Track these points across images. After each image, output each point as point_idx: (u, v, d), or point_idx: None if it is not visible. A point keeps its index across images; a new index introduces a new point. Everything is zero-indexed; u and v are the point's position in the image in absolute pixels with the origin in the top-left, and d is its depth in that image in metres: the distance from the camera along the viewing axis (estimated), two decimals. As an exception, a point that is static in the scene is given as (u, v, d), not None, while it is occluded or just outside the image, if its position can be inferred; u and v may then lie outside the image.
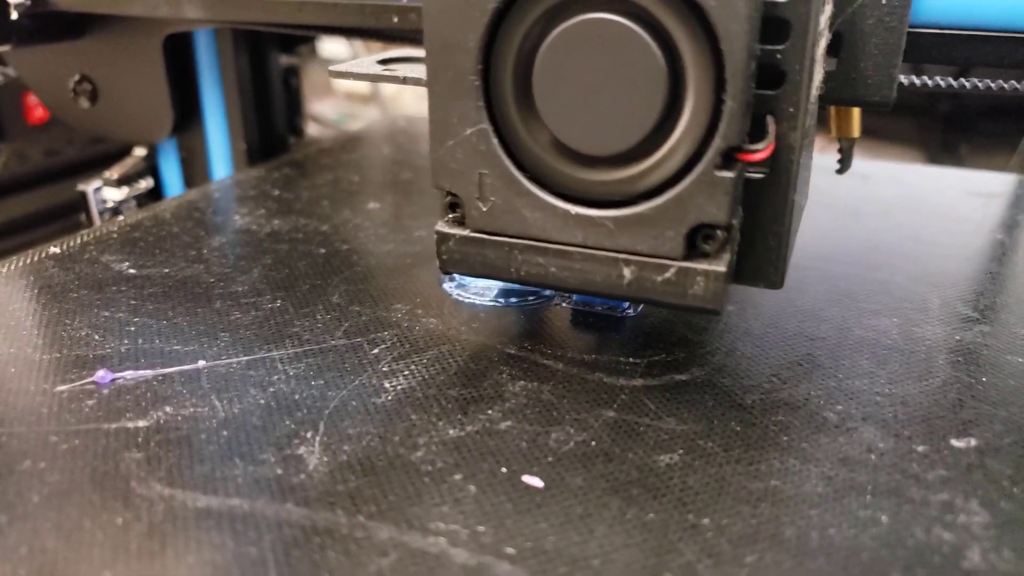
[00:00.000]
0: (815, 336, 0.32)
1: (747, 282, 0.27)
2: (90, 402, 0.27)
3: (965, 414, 0.27)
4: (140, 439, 0.25)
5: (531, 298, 0.35)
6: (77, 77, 0.52)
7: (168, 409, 0.26)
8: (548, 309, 0.34)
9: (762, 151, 0.24)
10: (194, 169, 0.57)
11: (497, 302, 0.34)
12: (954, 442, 0.25)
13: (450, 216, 0.28)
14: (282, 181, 0.49)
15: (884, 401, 0.27)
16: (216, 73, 0.54)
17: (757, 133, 0.24)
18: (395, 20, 0.39)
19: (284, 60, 0.59)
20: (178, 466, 0.24)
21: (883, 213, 0.45)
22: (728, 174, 0.24)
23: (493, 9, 0.25)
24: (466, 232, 0.28)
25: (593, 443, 0.25)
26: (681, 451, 0.25)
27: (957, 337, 0.32)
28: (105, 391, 0.27)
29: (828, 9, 0.26)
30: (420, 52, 0.35)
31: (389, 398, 0.27)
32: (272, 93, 0.58)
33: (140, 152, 0.55)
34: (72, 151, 0.65)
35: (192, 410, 0.26)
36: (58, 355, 0.29)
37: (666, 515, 0.22)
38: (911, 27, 0.29)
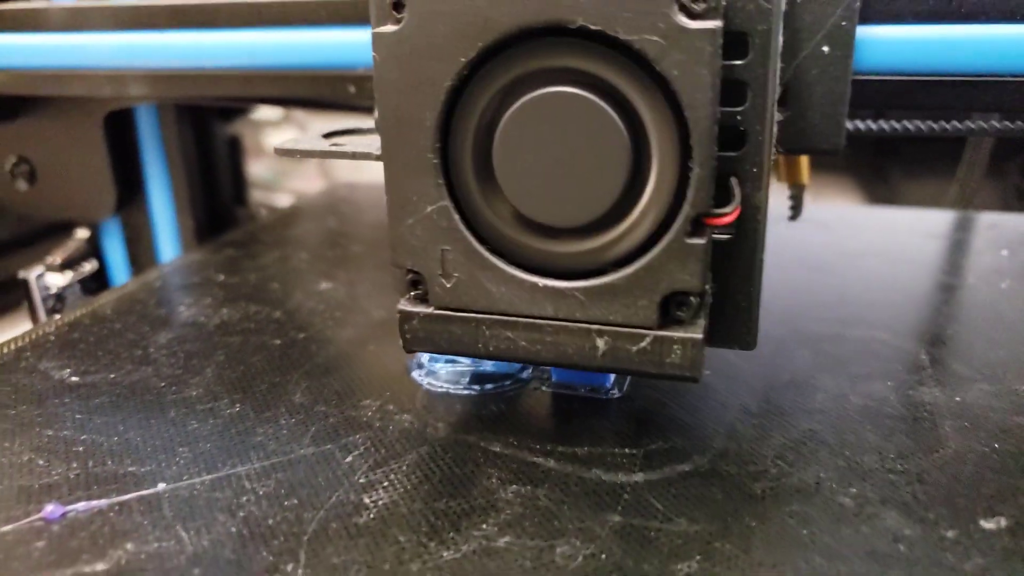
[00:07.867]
0: (813, 409, 0.30)
1: (721, 345, 0.26)
2: (40, 544, 0.24)
3: (986, 489, 0.25)
4: (98, 587, 0.22)
5: (507, 383, 0.32)
6: (14, 159, 0.49)
7: (129, 546, 0.24)
8: (527, 394, 0.32)
9: (729, 215, 0.23)
10: (139, 248, 0.54)
11: (471, 389, 0.32)
12: (983, 523, 0.24)
13: (412, 294, 0.27)
14: (226, 264, 0.47)
15: (899, 480, 0.26)
16: (159, 148, 0.52)
17: (721, 196, 0.24)
18: (352, 90, 0.38)
19: (227, 130, 0.57)
20: (143, 620, 0.21)
21: (845, 262, 0.44)
22: (699, 240, 0.23)
23: (449, 87, 0.24)
24: (430, 310, 0.26)
25: (603, 556, 0.23)
26: (699, 557, 0.23)
27: (957, 399, 0.30)
28: (56, 528, 0.24)
29: (779, 65, 0.25)
30: (366, 123, 0.34)
31: (371, 516, 0.25)
32: (217, 165, 0.56)
33: (83, 234, 0.52)
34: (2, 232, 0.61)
35: (156, 545, 0.24)
36: (-1, 487, 0.26)
37: (693, 642, 0.20)
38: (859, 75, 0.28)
